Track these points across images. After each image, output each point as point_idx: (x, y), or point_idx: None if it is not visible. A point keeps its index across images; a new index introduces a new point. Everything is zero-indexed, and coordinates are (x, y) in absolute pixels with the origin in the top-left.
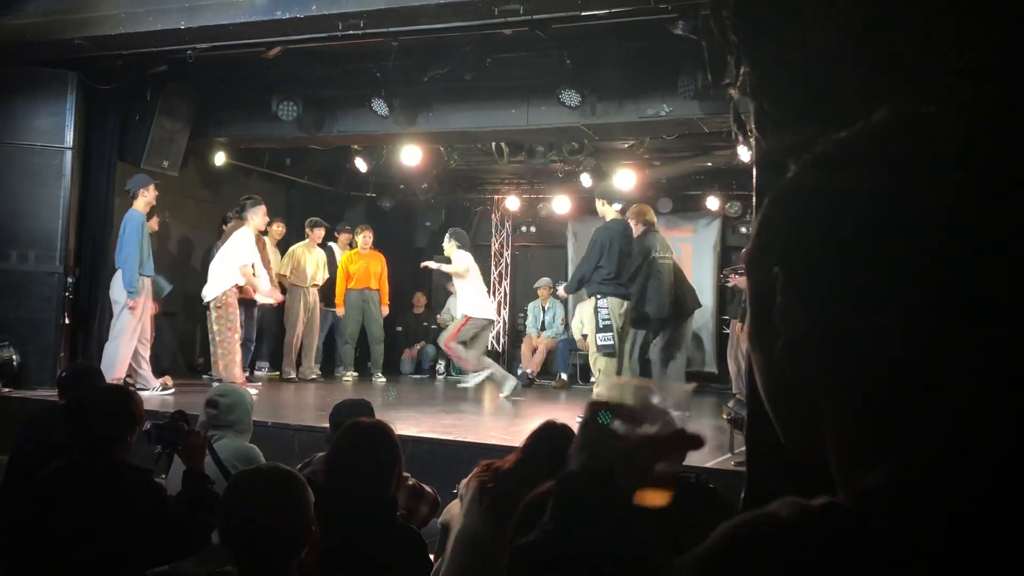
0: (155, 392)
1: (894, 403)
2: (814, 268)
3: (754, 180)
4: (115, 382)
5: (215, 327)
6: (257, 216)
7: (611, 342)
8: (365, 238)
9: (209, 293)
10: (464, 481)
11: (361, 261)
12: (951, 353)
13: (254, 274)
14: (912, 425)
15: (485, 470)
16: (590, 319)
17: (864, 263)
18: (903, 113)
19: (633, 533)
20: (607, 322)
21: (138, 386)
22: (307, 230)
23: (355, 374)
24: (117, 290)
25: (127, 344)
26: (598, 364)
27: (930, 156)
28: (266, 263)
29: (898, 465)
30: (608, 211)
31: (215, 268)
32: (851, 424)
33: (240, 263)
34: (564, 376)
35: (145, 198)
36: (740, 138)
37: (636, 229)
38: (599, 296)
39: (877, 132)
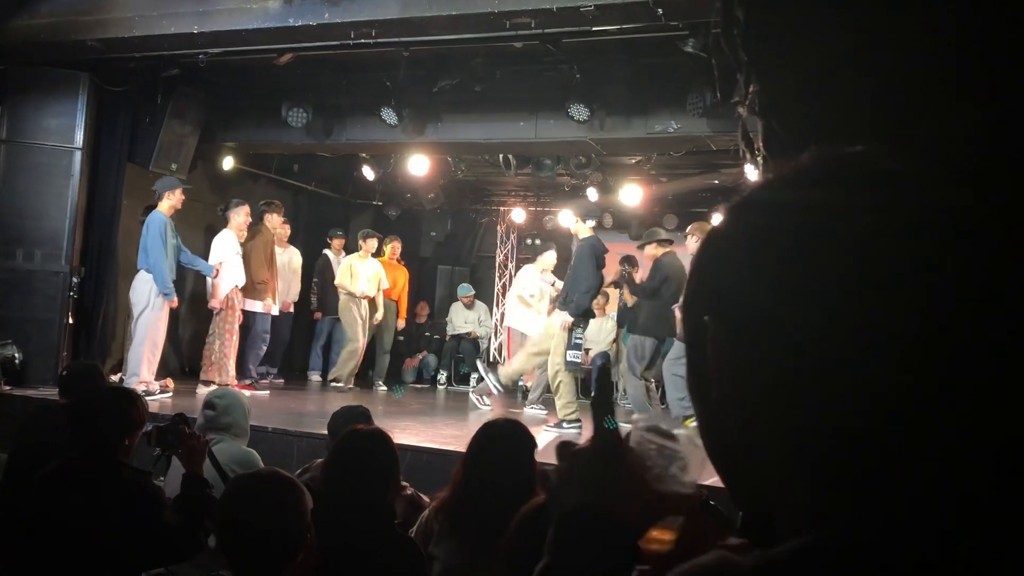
0: (155, 394)
1: (833, 454)
2: (741, 316)
3: None
4: (139, 387)
5: (215, 329)
6: (240, 216)
7: (579, 360)
8: (394, 248)
9: (214, 300)
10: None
11: (387, 271)
12: (888, 401)
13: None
14: (855, 479)
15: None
16: (560, 334)
17: (787, 309)
18: (824, 155)
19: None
20: (579, 340)
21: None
22: (360, 241)
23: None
24: (138, 292)
25: (151, 348)
26: (559, 378)
27: (844, 198)
28: (271, 263)
29: (841, 518)
30: (582, 228)
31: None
32: (789, 474)
33: (214, 260)
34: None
35: (170, 201)
36: (748, 156)
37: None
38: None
39: (798, 175)
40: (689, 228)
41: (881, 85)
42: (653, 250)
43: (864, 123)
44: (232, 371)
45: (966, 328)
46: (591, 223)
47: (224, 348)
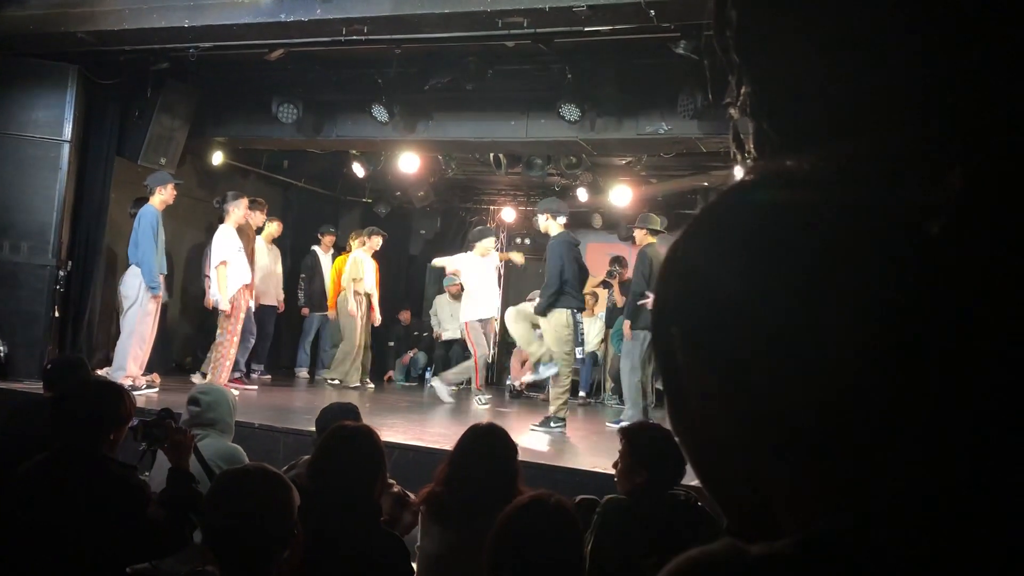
0: (141, 388)
1: (822, 453)
2: (705, 326)
3: None
4: (125, 380)
5: (218, 329)
6: (239, 209)
7: (581, 356)
8: (376, 243)
9: (220, 299)
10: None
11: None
12: (839, 398)
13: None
14: (839, 478)
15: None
16: (568, 330)
17: (744, 319)
18: (767, 169)
19: None
20: (583, 336)
21: (127, 383)
22: (365, 238)
23: (372, 385)
24: (129, 286)
25: (139, 342)
26: (563, 372)
27: (782, 213)
28: (251, 258)
29: (829, 516)
30: (552, 225)
31: (212, 273)
32: (776, 478)
33: (216, 260)
34: (583, 393)
35: (162, 196)
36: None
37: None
38: (574, 311)
39: (743, 188)
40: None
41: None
42: (642, 236)
43: (857, 126)
44: (226, 373)
45: (940, 315)
46: (562, 220)
47: (224, 348)
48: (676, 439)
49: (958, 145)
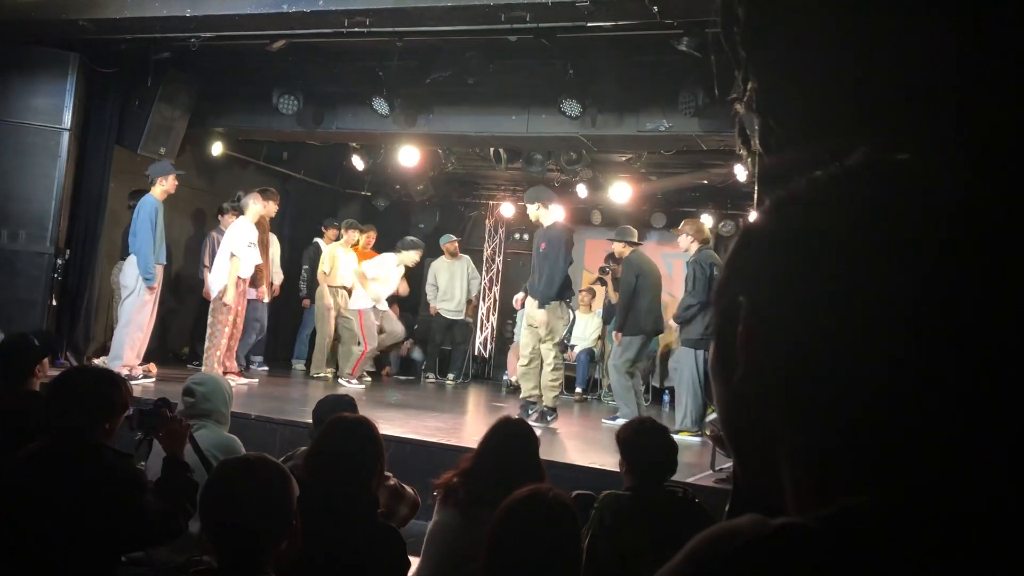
0: (138, 378)
1: (863, 432)
2: (779, 298)
3: (755, 196)
4: (122, 370)
5: (209, 318)
6: (258, 204)
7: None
8: (369, 238)
9: (213, 286)
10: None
11: (362, 261)
12: (921, 384)
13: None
14: (884, 455)
15: (453, 472)
16: (557, 324)
17: (829, 297)
18: (874, 158)
19: None
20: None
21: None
22: (343, 231)
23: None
24: (127, 275)
25: (135, 331)
26: (554, 364)
27: (894, 205)
28: (265, 251)
29: (862, 489)
30: (544, 214)
31: (217, 261)
32: (815, 452)
33: (226, 251)
34: (580, 389)
35: (163, 186)
36: (744, 153)
37: (692, 246)
38: (567, 301)
39: (846, 175)
40: (681, 226)
41: (880, 84)
42: (621, 248)
43: (863, 122)
44: (215, 362)
45: (979, 324)
46: (555, 207)
47: (215, 339)
48: (715, 399)
49: (977, 145)
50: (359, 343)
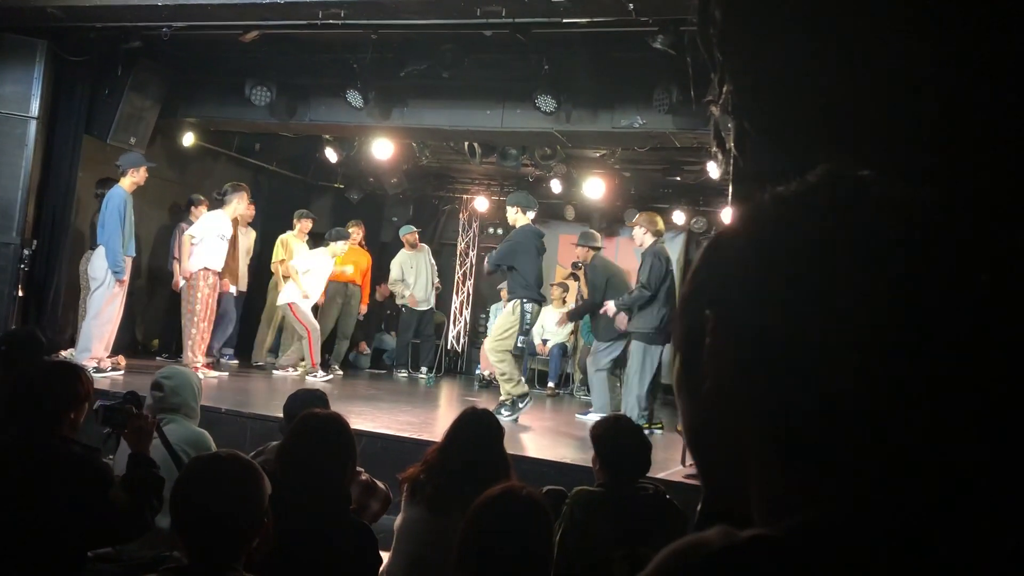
0: (106, 371)
1: (832, 442)
2: (746, 311)
3: (729, 197)
4: (90, 362)
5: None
6: (242, 203)
7: (523, 346)
8: (355, 233)
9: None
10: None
11: (350, 256)
12: (890, 395)
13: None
14: (853, 465)
15: (419, 467)
16: (507, 317)
17: (796, 310)
18: (832, 174)
19: None
20: (528, 326)
21: (92, 365)
22: (295, 221)
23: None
24: (96, 267)
25: (104, 324)
26: (504, 366)
27: (857, 219)
28: (234, 245)
29: (833, 500)
30: (521, 218)
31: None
32: (783, 463)
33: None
34: (552, 384)
35: (134, 178)
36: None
37: (645, 239)
38: (524, 301)
39: (807, 190)
40: (635, 218)
41: (855, 89)
42: (584, 253)
43: (838, 127)
44: (190, 353)
45: (944, 334)
46: (531, 215)
47: (186, 329)
48: (681, 412)
49: (963, 150)
50: (301, 336)
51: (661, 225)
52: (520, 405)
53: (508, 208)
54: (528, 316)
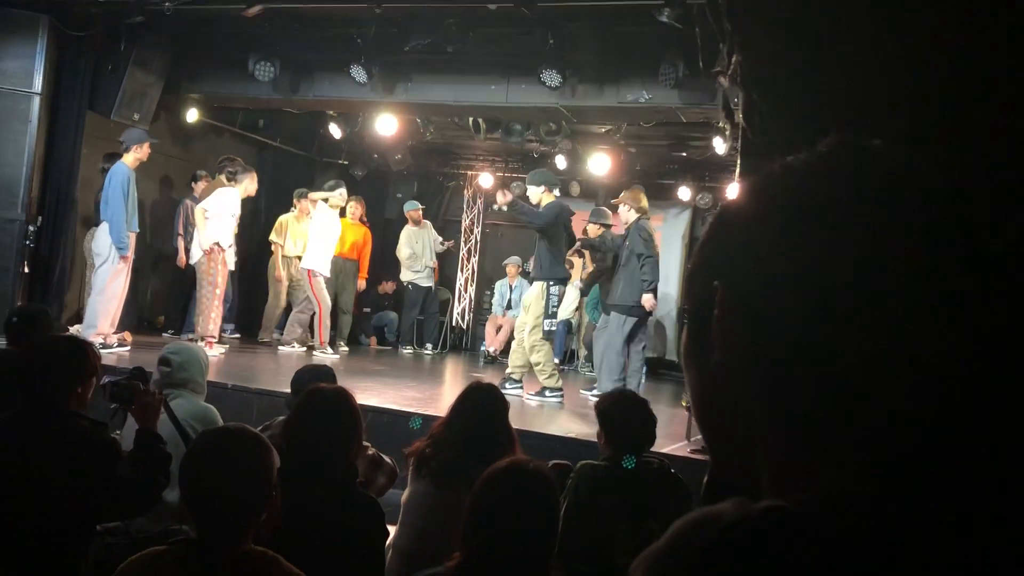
0: (112, 346)
1: (843, 413)
2: (757, 281)
3: (738, 169)
4: (96, 338)
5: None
6: (253, 183)
7: (554, 328)
8: (354, 208)
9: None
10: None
11: (349, 231)
12: (902, 364)
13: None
14: (863, 433)
15: (424, 441)
16: (537, 303)
17: (807, 279)
18: (844, 145)
19: None
20: (555, 308)
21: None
22: (295, 200)
23: (346, 349)
24: (100, 243)
25: (110, 299)
26: (539, 354)
27: (869, 189)
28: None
29: (845, 471)
30: (547, 198)
31: (196, 231)
32: (794, 434)
33: (203, 208)
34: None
35: (137, 154)
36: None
37: (628, 216)
38: (551, 283)
39: (818, 161)
40: (620, 196)
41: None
42: (596, 230)
43: (846, 99)
44: (211, 325)
45: (960, 306)
46: (556, 192)
47: (206, 303)
48: (688, 384)
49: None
50: (312, 311)
51: (645, 203)
52: (548, 396)
53: (530, 188)
54: (554, 299)
